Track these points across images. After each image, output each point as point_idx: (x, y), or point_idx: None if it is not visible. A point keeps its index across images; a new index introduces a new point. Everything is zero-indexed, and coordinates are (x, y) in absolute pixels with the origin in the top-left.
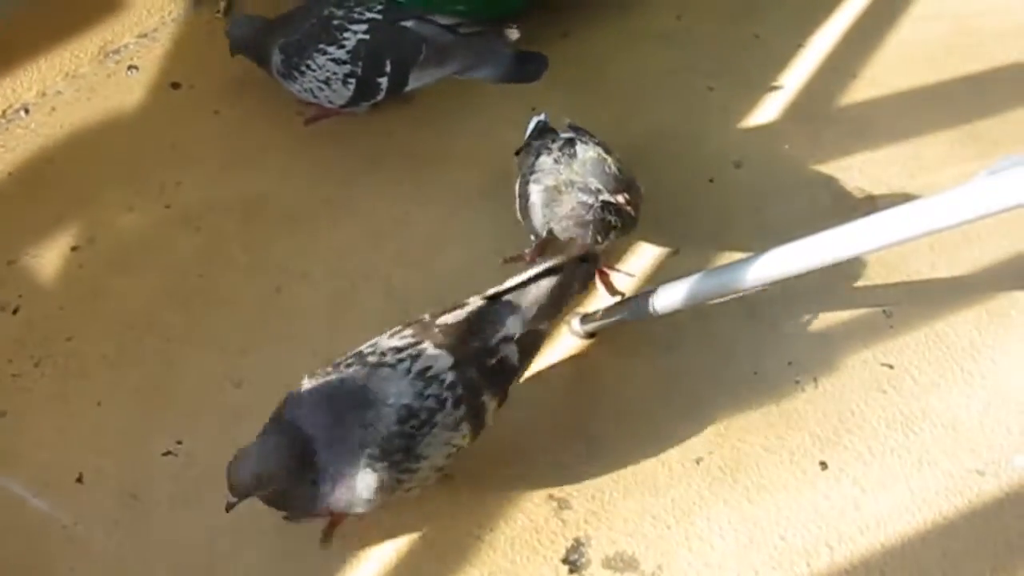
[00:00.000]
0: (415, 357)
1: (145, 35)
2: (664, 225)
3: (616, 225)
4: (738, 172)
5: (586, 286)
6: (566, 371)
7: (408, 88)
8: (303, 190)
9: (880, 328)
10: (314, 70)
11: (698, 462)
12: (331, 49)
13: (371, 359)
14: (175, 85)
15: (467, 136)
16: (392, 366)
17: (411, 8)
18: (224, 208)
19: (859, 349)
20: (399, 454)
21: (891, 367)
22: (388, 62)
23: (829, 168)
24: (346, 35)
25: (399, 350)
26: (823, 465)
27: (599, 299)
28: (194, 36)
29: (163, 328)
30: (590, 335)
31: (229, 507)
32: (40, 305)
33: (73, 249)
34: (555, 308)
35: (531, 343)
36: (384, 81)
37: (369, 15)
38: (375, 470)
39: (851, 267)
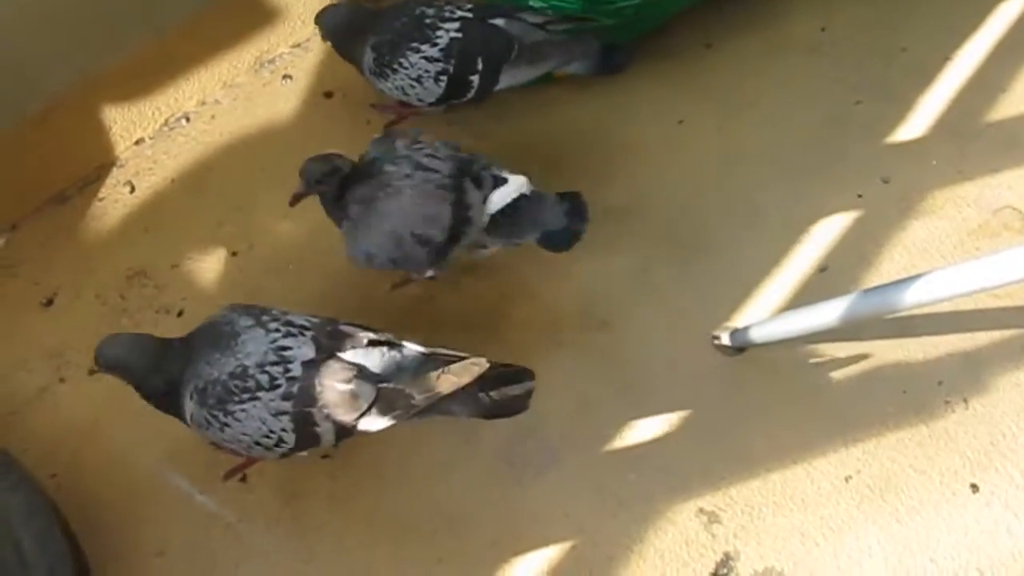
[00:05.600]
0: (290, 335)
1: (299, 45)
2: (812, 241)
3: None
4: (886, 187)
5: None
6: (715, 385)
7: (499, 87)
8: None
9: None
10: (406, 68)
11: (847, 480)
12: (424, 47)
13: (264, 318)
14: (328, 94)
15: (607, 148)
16: (268, 331)
17: (501, 6)
18: None
19: (1010, 370)
20: (212, 400)
21: None
22: (480, 60)
23: (978, 184)
24: (439, 33)
25: (291, 324)
26: (974, 488)
27: (748, 315)
28: None
29: None
30: (739, 350)
31: (92, 372)
32: (203, 309)
33: (233, 254)
34: (437, 397)
35: (392, 401)
36: (476, 79)
37: (460, 13)
38: (191, 399)
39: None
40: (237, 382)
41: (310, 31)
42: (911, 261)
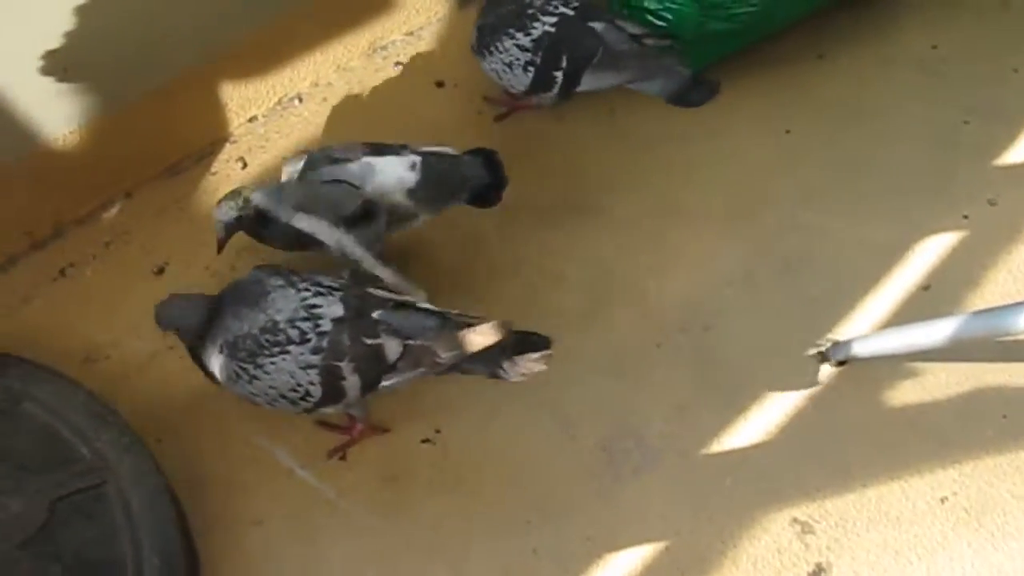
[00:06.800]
0: (319, 294)
1: (412, 33)
2: (915, 259)
3: None
4: (993, 210)
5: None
6: (814, 396)
7: (580, 88)
8: (561, 193)
9: None
10: (500, 52)
11: (943, 501)
12: (519, 35)
13: (294, 279)
14: (439, 83)
15: (716, 155)
16: (299, 290)
17: (604, 11)
18: None
19: None
20: (243, 353)
21: None
22: (564, 58)
23: None
24: (535, 24)
25: (320, 284)
26: None
27: (849, 328)
28: (458, 36)
29: None
30: (840, 363)
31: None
32: None
33: None
34: (462, 356)
35: (418, 356)
36: (559, 76)
37: (562, 9)
38: (221, 353)
39: None
40: (268, 336)
41: (423, 19)
42: (1015, 285)
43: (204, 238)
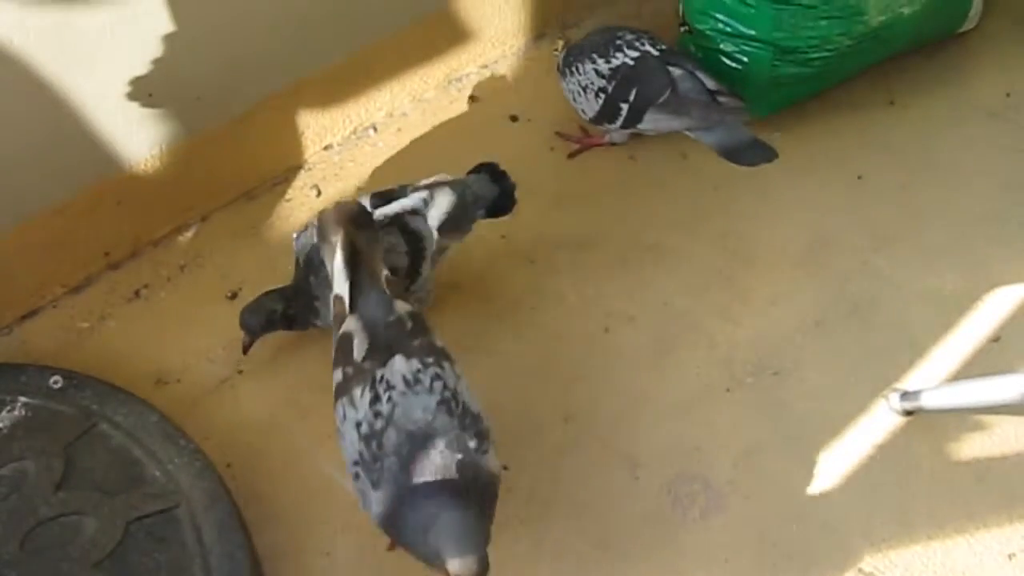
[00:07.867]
0: (390, 386)
1: (487, 66)
2: (986, 310)
3: None
4: None
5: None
6: (881, 446)
7: (641, 126)
8: (632, 233)
9: None
10: (579, 74)
11: (1010, 558)
12: (599, 61)
13: (376, 390)
14: (513, 118)
15: (786, 199)
16: (406, 393)
17: (690, 58)
18: (556, 243)
19: None
20: (476, 426)
21: None
22: (634, 91)
23: None
24: (617, 55)
25: (384, 381)
26: None
27: (917, 378)
28: (533, 71)
29: (494, 355)
30: (908, 413)
31: None
32: None
33: None
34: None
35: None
36: (625, 108)
37: (648, 48)
38: (485, 452)
39: None
40: (451, 402)
41: (499, 53)
42: None
43: (278, 264)
